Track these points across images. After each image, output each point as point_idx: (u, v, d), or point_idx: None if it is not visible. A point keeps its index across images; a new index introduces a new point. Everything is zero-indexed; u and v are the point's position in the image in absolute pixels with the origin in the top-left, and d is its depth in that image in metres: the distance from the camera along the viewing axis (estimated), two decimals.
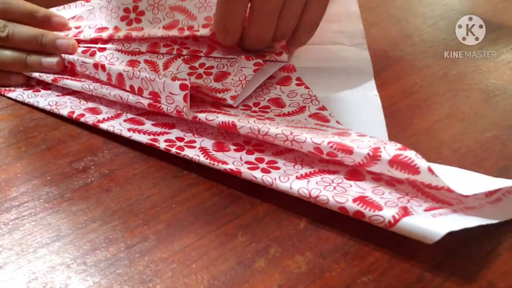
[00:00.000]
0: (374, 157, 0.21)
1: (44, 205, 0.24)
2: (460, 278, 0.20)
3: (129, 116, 0.30)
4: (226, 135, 0.28)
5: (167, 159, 0.27)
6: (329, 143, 0.22)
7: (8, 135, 0.30)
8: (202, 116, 0.26)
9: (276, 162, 0.25)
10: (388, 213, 0.20)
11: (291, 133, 0.24)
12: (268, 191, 0.24)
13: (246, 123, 0.25)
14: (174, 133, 0.28)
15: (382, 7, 0.43)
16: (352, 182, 0.23)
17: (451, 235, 0.18)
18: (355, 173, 0.24)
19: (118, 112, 0.31)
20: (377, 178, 0.23)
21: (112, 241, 0.22)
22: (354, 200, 0.21)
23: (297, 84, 0.32)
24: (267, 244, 0.22)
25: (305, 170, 0.24)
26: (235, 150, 0.26)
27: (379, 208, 0.20)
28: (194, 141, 0.27)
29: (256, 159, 0.25)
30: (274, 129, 0.24)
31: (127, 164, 0.27)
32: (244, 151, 0.26)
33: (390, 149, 0.21)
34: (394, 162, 0.21)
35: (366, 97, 0.31)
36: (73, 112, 0.30)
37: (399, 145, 0.21)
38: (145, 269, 0.21)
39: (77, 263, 0.21)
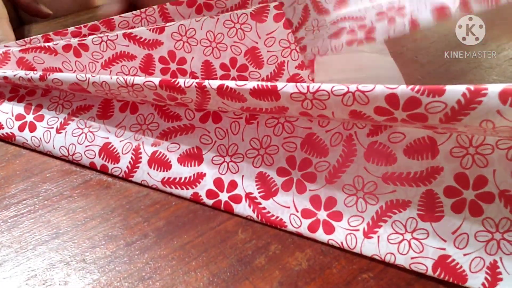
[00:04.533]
0: (476, 92, 0.16)
1: (43, 203, 0.24)
2: None
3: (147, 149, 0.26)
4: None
5: None
6: (408, 86, 0.17)
7: None
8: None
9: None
10: (474, 284, 0.18)
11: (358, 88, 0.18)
12: None
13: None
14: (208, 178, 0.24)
15: None
16: (428, 225, 0.20)
17: None
18: (431, 205, 0.20)
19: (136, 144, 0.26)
20: (459, 207, 0.20)
21: (112, 239, 0.22)
22: (435, 268, 0.19)
23: None
24: (267, 241, 0.22)
25: (371, 209, 0.21)
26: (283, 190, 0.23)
27: (463, 279, 0.18)
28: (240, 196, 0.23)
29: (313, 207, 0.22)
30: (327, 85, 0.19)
31: None
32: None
33: (493, 85, 0.16)
34: (508, 93, 0.15)
35: None
36: (94, 163, 0.26)
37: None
38: (145, 266, 0.21)
39: (76, 260, 0.21)
